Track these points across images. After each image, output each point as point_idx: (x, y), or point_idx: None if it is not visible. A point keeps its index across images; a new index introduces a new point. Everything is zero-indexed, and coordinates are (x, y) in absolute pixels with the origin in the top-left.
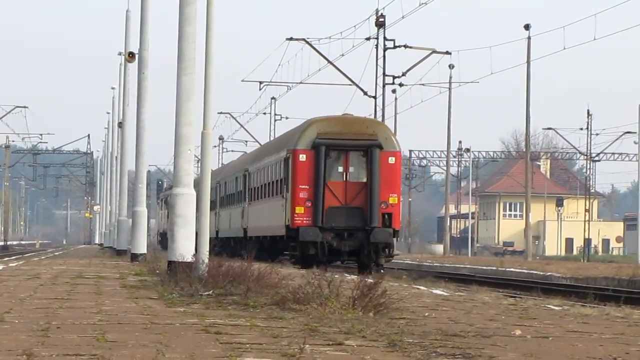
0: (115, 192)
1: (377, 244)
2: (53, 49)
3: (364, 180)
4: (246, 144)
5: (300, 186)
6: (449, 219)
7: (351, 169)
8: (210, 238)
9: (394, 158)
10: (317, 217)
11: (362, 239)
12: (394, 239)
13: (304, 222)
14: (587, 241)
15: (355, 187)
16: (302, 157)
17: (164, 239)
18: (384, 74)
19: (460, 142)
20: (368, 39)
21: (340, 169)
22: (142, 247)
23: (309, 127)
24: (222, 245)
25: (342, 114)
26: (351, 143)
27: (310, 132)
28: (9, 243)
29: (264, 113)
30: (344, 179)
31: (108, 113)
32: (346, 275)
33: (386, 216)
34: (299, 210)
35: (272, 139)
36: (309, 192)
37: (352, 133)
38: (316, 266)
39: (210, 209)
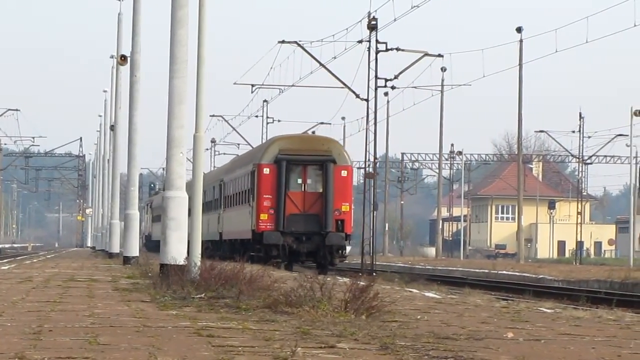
0: (108, 195)
1: (332, 246)
2: (45, 50)
3: (320, 190)
4: (238, 147)
5: (264, 196)
6: (441, 221)
7: (309, 181)
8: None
9: (346, 171)
10: (279, 223)
11: (318, 242)
12: (346, 242)
13: (268, 227)
14: (579, 244)
15: (312, 197)
16: (266, 171)
17: (148, 242)
18: (376, 77)
19: (452, 144)
20: (360, 41)
21: (299, 180)
22: (134, 250)
23: (272, 144)
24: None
25: (302, 132)
26: (309, 158)
27: (273, 148)
28: (0, 246)
29: (256, 116)
30: (303, 190)
31: (100, 116)
32: (338, 278)
33: (339, 222)
34: (263, 217)
35: (263, 141)
36: (272, 201)
37: (310, 150)
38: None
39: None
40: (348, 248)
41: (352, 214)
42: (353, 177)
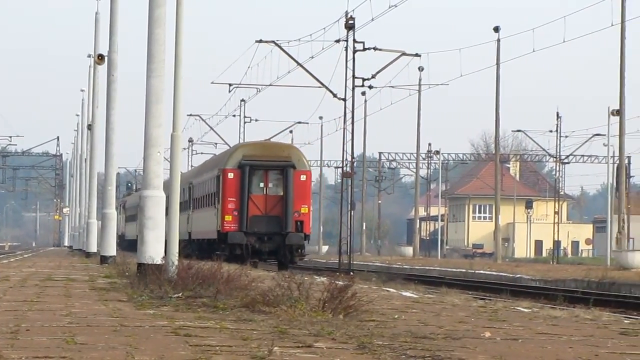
0: (85, 195)
1: (292, 245)
2: (22, 50)
3: (281, 194)
4: (216, 147)
5: (228, 198)
6: (418, 221)
7: (270, 185)
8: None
9: (305, 176)
10: (242, 224)
11: (279, 242)
12: (305, 242)
13: (232, 227)
14: (557, 243)
15: (274, 200)
16: (231, 175)
17: (122, 241)
18: (354, 77)
19: (429, 144)
20: (338, 41)
21: (262, 184)
22: (111, 250)
23: (236, 150)
24: None
25: (264, 139)
26: (270, 164)
27: (237, 154)
28: None
29: (234, 115)
30: (264, 193)
31: (77, 115)
32: (315, 277)
33: (298, 223)
34: (228, 218)
35: (241, 141)
36: (236, 203)
37: (271, 156)
38: (244, 263)
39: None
40: (325, 247)
41: (310, 216)
42: (311, 181)
